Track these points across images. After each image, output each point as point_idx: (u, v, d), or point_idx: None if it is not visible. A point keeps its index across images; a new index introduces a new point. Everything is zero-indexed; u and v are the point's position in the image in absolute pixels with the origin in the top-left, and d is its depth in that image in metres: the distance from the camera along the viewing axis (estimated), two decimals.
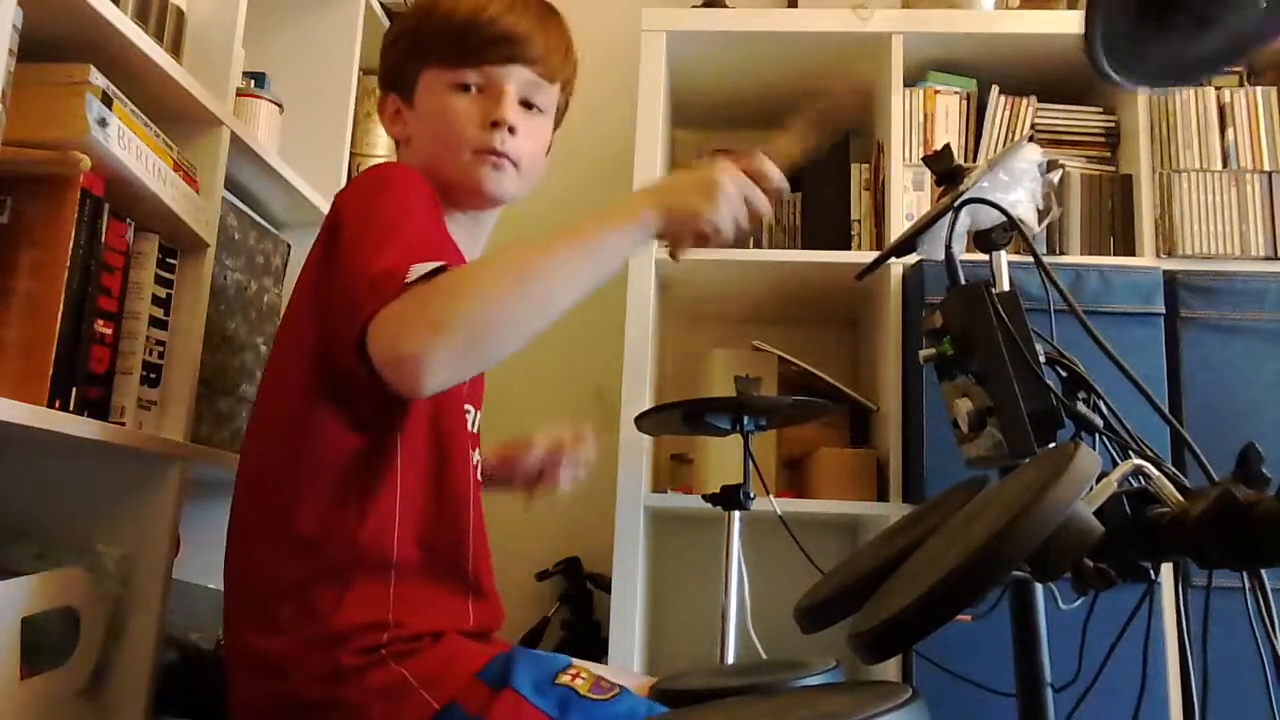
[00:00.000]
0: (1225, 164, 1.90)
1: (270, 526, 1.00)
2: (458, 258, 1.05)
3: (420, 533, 1.02)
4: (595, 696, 0.96)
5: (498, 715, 0.92)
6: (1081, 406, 0.92)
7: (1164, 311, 1.76)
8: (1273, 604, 0.78)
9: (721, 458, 1.92)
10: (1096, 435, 0.92)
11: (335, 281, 0.96)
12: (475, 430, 1.15)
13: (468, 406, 1.12)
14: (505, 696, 0.93)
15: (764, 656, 1.67)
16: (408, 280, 0.87)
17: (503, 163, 1.11)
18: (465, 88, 1.12)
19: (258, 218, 1.54)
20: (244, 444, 1.10)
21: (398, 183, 1.03)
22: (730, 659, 1.54)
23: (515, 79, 1.12)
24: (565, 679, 0.97)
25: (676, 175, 1.04)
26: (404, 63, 1.16)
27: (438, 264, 0.89)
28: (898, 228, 1.92)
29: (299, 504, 0.98)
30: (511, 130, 1.11)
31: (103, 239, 1.13)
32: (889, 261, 1.85)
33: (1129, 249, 1.92)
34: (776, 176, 1.04)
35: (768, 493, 1.69)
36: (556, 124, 1.22)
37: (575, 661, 1.02)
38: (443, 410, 1.06)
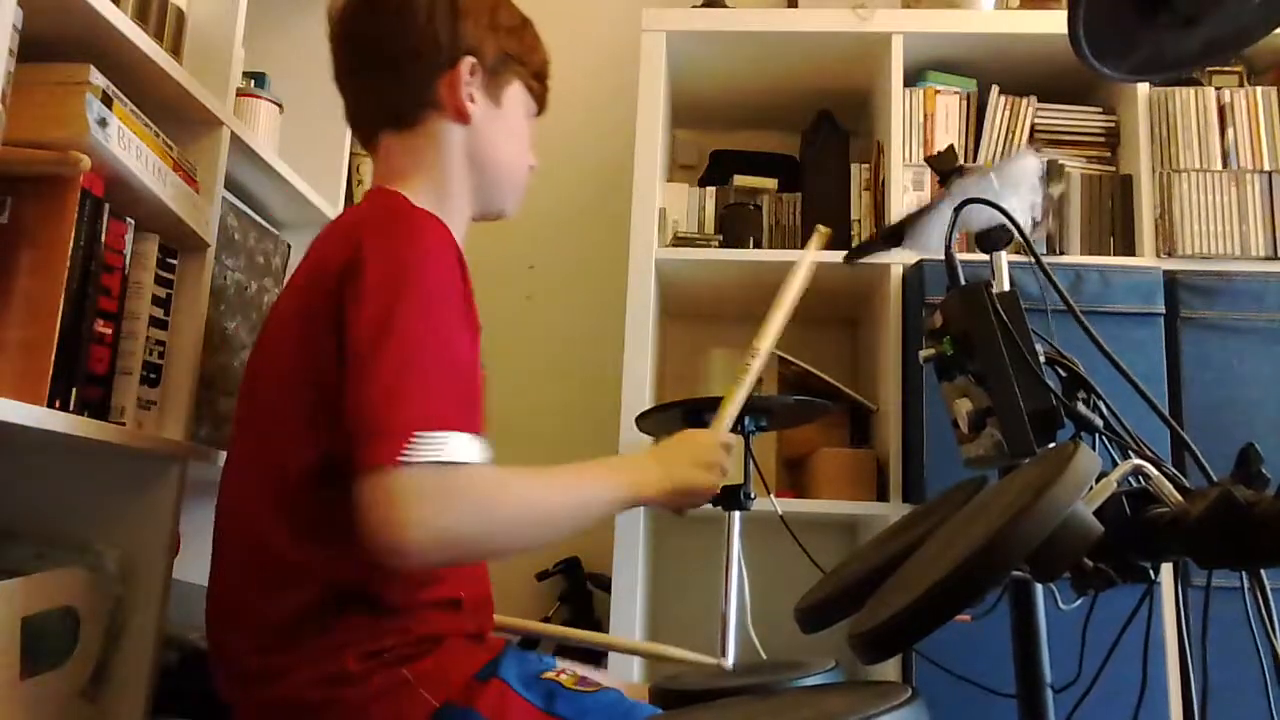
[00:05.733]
0: (1225, 164, 1.90)
1: (264, 555, 0.99)
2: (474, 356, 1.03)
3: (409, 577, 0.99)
4: (581, 689, 0.98)
5: (485, 704, 0.93)
6: (1081, 406, 0.92)
7: (1164, 311, 1.76)
8: (1273, 604, 0.78)
9: None
10: (1096, 435, 0.92)
11: (346, 379, 0.91)
12: None
13: None
14: (492, 685, 0.95)
15: (764, 656, 1.67)
16: (406, 457, 0.84)
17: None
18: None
19: (258, 218, 1.54)
20: (230, 463, 1.08)
21: (428, 259, 0.96)
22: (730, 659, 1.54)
23: None
24: (551, 674, 0.99)
25: (685, 450, 1.17)
26: (508, 60, 1.18)
27: (444, 456, 0.86)
28: None
29: (294, 542, 0.96)
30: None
31: (103, 239, 1.13)
32: (889, 262, 1.87)
33: (1129, 249, 1.92)
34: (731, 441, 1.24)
35: (768, 492, 1.69)
36: None
37: (562, 662, 1.03)
38: None
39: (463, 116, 1.13)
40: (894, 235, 1.20)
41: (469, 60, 1.13)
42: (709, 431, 1.20)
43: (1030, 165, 1.10)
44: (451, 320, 0.95)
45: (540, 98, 1.24)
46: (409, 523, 0.84)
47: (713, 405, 1.60)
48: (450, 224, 1.05)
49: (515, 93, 1.19)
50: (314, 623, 0.96)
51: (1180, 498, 0.75)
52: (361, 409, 0.88)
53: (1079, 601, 0.85)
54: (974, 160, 2.00)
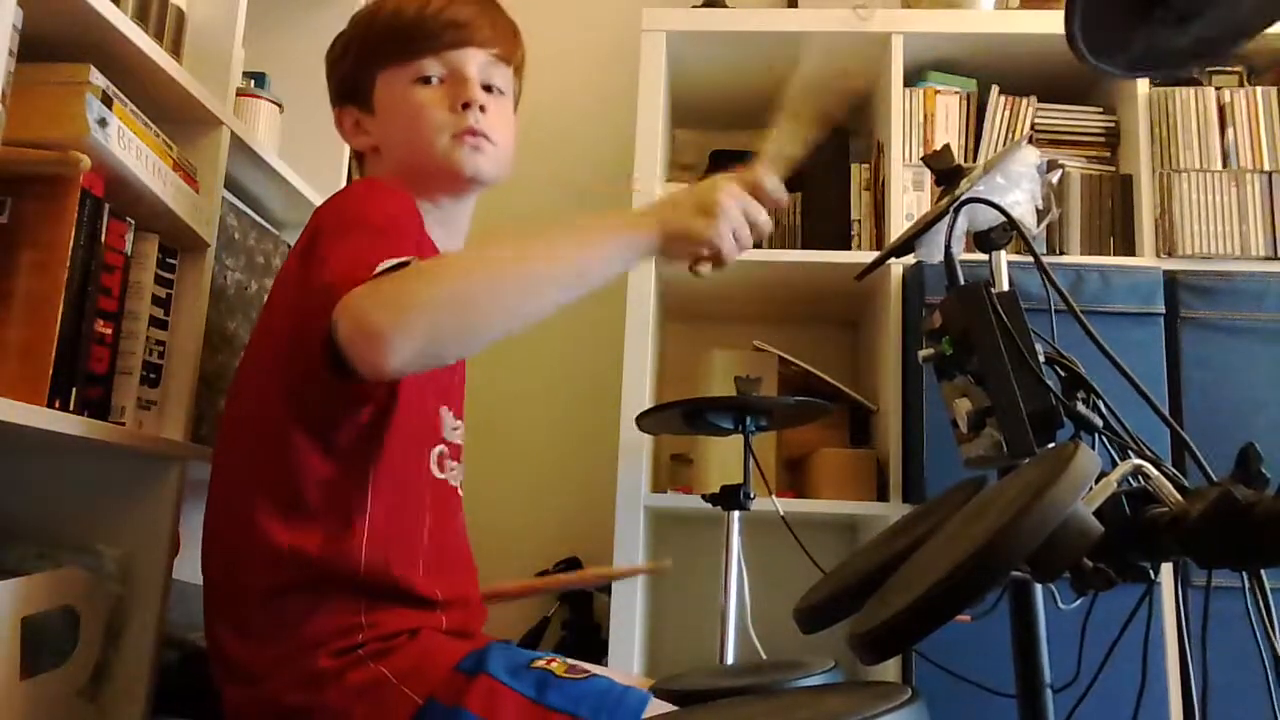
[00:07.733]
0: (1225, 164, 1.90)
1: (243, 535, 1.00)
2: (434, 254, 1.06)
3: (388, 548, 1.00)
4: (573, 676, 0.96)
5: (474, 701, 0.92)
6: (1081, 406, 0.92)
7: (1164, 311, 1.76)
8: (1272, 604, 0.78)
9: (722, 458, 1.92)
10: (1096, 435, 0.91)
11: (310, 287, 0.94)
12: (459, 441, 1.14)
13: (444, 408, 1.11)
14: (480, 681, 0.93)
15: (764, 656, 1.67)
16: (377, 270, 0.87)
17: (480, 141, 1.12)
18: (426, 80, 1.13)
19: (258, 218, 1.54)
20: (215, 451, 1.10)
21: (375, 192, 1.04)
22: (730, 659, 1.54)
23: (474, 61, 1.14)
24: (540, 664, 0.98)
25: (678, 192, 1.03)
26: (356, 71, 1.17)
27: (409, 257, 0.89)
28: (898, 228, 1.92)
29: (270, 519, 0.97)
30: (482, 109, 1.13)
31: (103, 239, 1.13)
32: (889, 262, 1.87)
33: (1129, 249, 1.92)
34: (777, 189, 1.02)
35: (769, 492, 1.69)
36: (514, 110, 1.23)
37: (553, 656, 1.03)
38: (415, 427, 1.05)
39: (361, 155, 1.21)
40: (905, 247, 1.20)
41: (336, 113, 1.21)
42: (728, 174, 1.02)
43: (1028, 155, 1.10)
44: (398, 229, 0.98)
45: (411, 38, 1.13)
46: (374, 308, 0.83)
47: (713, 405, 1.61)
48: (425, 217, 1.08)
49: (384, 86, 1.15)
50: (289, 606, 0.96)
51: (1180, 498, 0.75)
52: (326, 285, 0.89)
53: (1079, 601, 0.85)
54: (974, 160, 2.00)
